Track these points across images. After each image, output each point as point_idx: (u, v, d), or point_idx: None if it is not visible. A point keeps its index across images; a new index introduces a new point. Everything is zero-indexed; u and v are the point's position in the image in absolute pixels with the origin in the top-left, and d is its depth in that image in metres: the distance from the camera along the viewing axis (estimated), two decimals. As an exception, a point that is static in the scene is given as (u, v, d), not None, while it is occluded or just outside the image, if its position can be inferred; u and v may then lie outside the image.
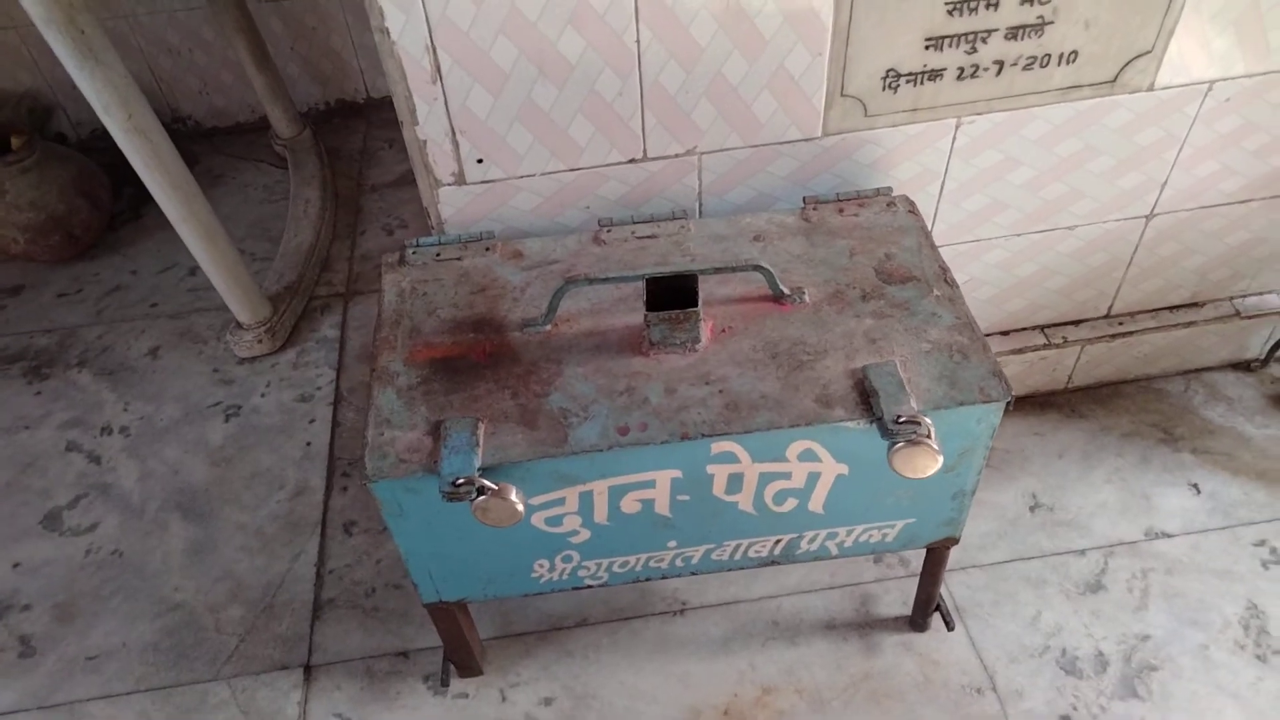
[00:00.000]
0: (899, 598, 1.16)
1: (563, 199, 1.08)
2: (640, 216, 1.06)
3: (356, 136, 2.02)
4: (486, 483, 0.81)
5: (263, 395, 1.47)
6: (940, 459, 0.81)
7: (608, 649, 1.14)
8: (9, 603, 1.23)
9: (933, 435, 0.81)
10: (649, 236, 1.03)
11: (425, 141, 1.00)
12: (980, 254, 1.22)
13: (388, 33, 0.91)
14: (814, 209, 1.05)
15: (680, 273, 0.88)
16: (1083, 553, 1.19)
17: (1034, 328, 1.34)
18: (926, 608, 1.11)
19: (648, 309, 0.88)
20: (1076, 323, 1.35)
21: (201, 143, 2.04)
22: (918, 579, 1.10)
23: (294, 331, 1.57)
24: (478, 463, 0.82)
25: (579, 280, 0.90)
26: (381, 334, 0.95)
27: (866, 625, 1.14)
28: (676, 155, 1.06)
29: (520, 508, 0.82)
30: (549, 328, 0.94)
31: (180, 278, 1.69)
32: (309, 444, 1.39)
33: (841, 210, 1.05)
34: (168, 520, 1.30)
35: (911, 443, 0.81)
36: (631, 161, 1.05)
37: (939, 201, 1.15)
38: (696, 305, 0.87)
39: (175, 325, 1.60)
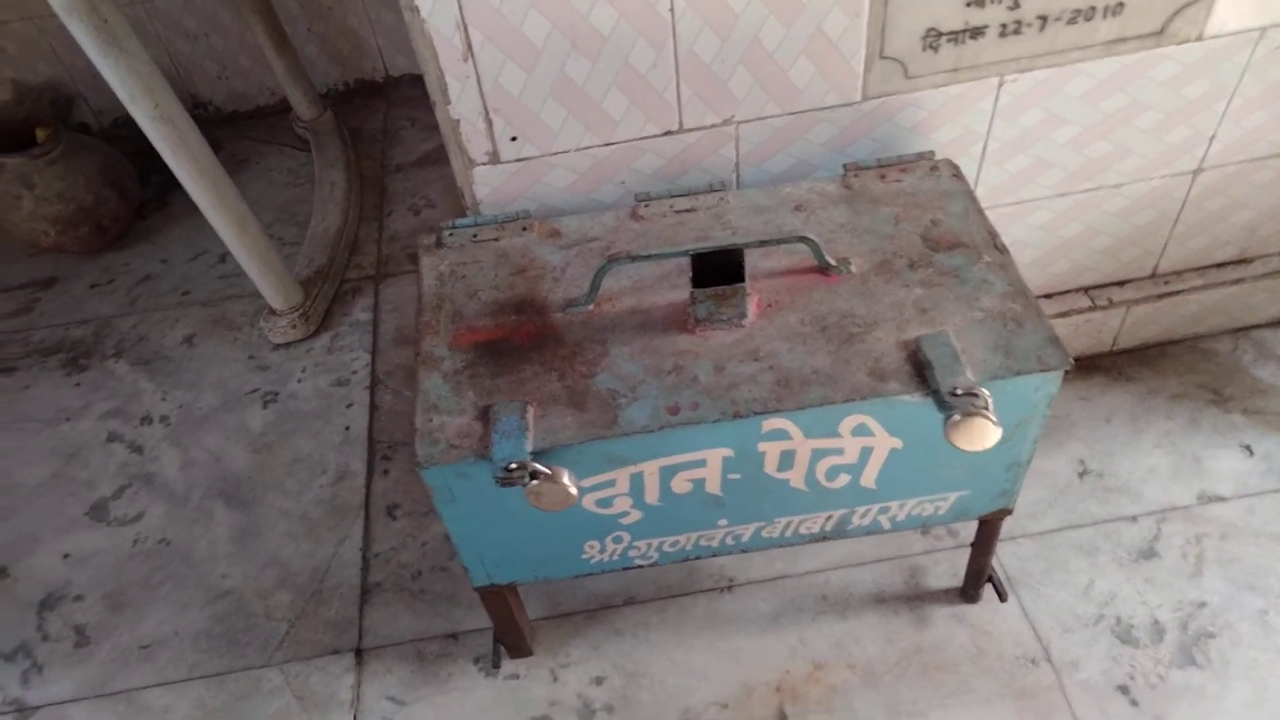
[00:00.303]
0: (948, 569, 1.15)
1: (598, 174, 1.06)
2: (678, 190, 1.04)
3: (377, 116, 2.00)
4: (539, 467, 0.80)
5: (299, 381, 1.46)
6: (999, 431, 0.80)
7: (657, 627, 1.13)
8: (61, 593, 1.24)
9: (990, 407, 0.79)
10: (688, 210, 1.01)
11: (458, 121, 0.98)
12: (1024, 216, 1.19)
13: (417, 10, 0.89)
14: (855, 176, 1.03)
15: (725, 247, 0.86)
16: (1134, 519, 1.18)
17: (1078, 290, 1.31)
18: (978, 579, 1.09)
19: (693, 285, 0.86)
20: (1121, 283, 1.32)
21: (222, 128, 2.03)
22: (967, 550, 1.09)
23: (326, 316, 1.56)
24: (529, 446, 0.81)
25: (621, 258, 0.89)
26: (423, 318, 0.94)
27: (916, 598, 1.13)
28: (713, 125, 1.03)
29: (574, 491, 0.81)
30: (592, 307, 0.93)
31: (210, 265, 1.69)
32: (348, 428, 1.39)
33: (884, 176, 1.03)
34: (212, 508, 1.31)
35: (969, 415, 0.79)
36: (667, 134, 1.03)
37: (981, 163, 1.13)
38: (743, 280, 0.86)
39: (208, 313, 1.60)
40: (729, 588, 1.16)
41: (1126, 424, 1.27)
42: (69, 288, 1.69)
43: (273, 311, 1.51)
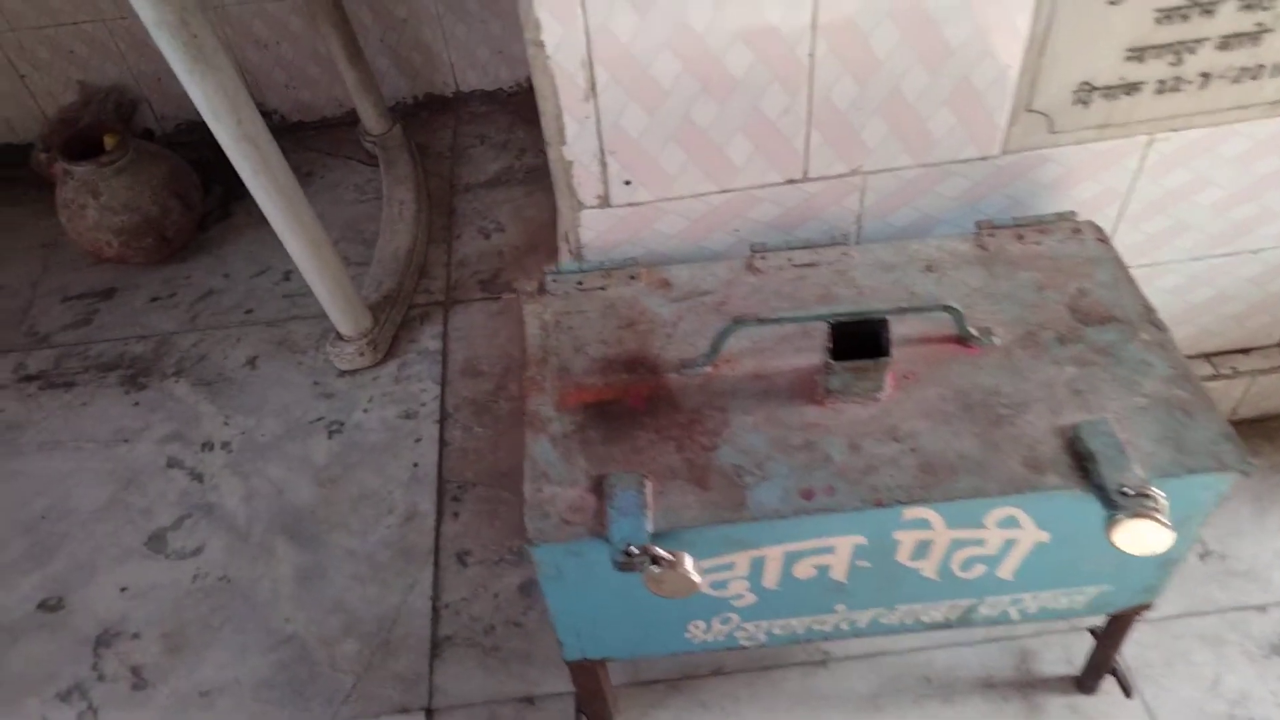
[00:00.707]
0: (1061, 655, 1.07)
1: (711, 222, 1.00)
2: (796, 242, 0.97)
3: (446, 132, 1.95)
4: (662, 553, 0.73)
5: (365, 411, 1.41)
6: (1172, 536, 0.72)
7: (746, 701, 1.06)
8: (118, 629, 1.19)
9: (1164, 509, 0.72)
10: (808, 265, 0.95)
11: (571, 162, 0.92)
12: (1154, 279, 1.12)
13: (542, 46, 0.83)
14: (990, 235, 0.96)
15: (866, 316, 0.79)
16: (1263, 609, 1.09)
17: (1200, 356, 1.23)
18: (1099, 671, 1.02)
19: (832, 356, 0.79)
20: (1246, 351, 1.23)
21: (286, 138, 1.97)
22: (1080, 634, 1.02)
23: (393, 342, 1.51)
24: (649, 527, 0.74)
25: (748, 320, 0.82)
26: (528, 374, 0.88)
27: (1028, 685, 1.05)
28: (839, 176, 0.97)
29: (697, 579, 0.74)
30: (709, 369, 0.86)
31: (274, 282, 1.64)
32: (416, 465, 1.33)
33: (1021, 237, 0.95)
34: (274, 544, 1.26)
35: (1138, 516, 0.72)
36: (789, 182, 0.97)
37: (1117, 223, 1.05)
38: (887, 354, 0.78)
39: (272, 334, 1.55)
40: (824, 662, 1.09)
41: (1249, 502, 1.19)
42: (128, 300, 1.64)
43: (340, 337, 1.46)
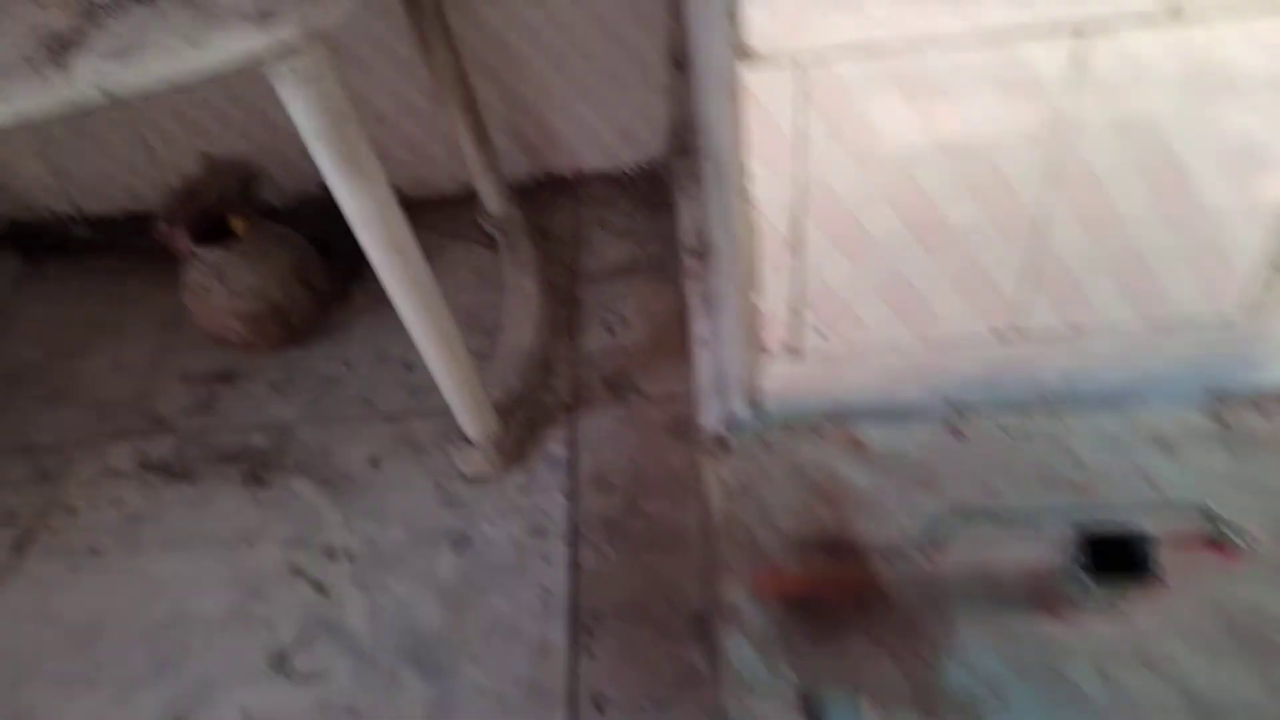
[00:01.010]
0: None
1: (905, 375, 0.91)
2: (1000, 400, 0.88)
3: (565, 215, 1.90)
4: (894, 802, 0.64)
5: (492, 525, 1.34)
6: None
7: None
8: (239, 761, 1.13)
9: None
10: (1020, 434, 0.85)
11: (762, 312, 0.85)
12: (1394, 443, 0.99)
13: (747, 195, 0.76)
14: (1226, 408, 0.85)
15: (1123, 530, 0.69)
16: None
17: None
18: None
19: (1087, 569, 0.70)
20: None
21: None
22: None
23: (519, 446, 1.44)
24: (874, 765, 0.65)
25: (976, 514, 0.74)
26: (717, 549, 0.80)
27: None
28: (1053, 330, 0.87)
29: (933, 834, 0.65)
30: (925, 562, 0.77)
31: (395, 374, 1.60)
32: (548, 590, 1.25)
33: (1262, 410, 0.85)
34: (401, 673, 1.19)
35: None
36: (997, 336, 0.88)
37: (1361, 387, 0.94)
38: (1154, 573, 0.69)
39: (393, 430, 1.50)
40: None
41: None
42: (248, 385, 1.61)
43: (465, 439, 1.40)
